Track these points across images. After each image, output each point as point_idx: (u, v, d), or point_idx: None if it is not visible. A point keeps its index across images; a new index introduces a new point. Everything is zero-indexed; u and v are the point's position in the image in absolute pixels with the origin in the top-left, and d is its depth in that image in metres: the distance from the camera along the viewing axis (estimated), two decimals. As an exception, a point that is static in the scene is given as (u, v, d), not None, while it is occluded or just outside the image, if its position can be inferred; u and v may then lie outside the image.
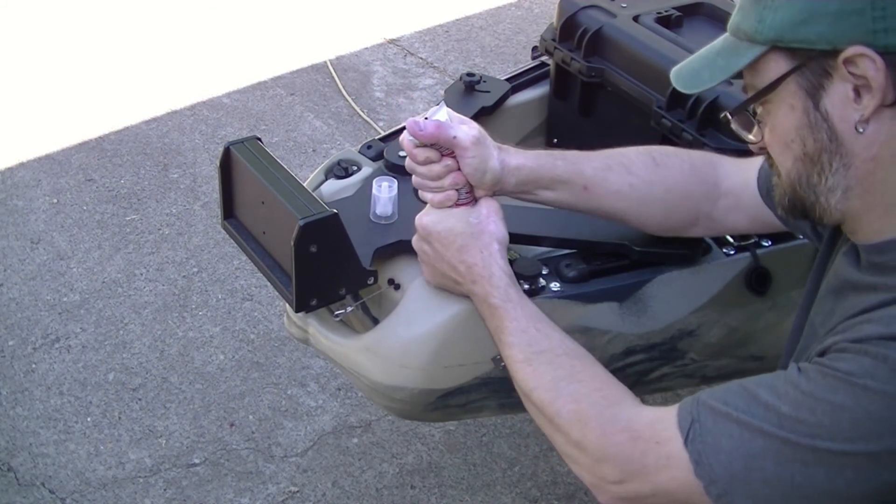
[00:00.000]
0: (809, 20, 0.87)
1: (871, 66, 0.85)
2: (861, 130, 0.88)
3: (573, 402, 1.04)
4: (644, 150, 1.31)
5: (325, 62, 3.78)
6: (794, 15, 0.88)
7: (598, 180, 1.27)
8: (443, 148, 1.19)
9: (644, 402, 2.40)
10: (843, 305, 0.96)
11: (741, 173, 1.28)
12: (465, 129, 1.19)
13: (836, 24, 0.86)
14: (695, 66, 1.00)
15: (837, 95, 0.89)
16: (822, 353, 0.90)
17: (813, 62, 0.89)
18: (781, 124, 0.94)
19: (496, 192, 1.25)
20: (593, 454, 1.01)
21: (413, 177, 1.23)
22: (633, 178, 1.27)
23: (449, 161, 1.19)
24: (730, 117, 1.01)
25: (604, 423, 1.01)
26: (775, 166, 0.99)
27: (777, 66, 0.92)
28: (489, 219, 1.21)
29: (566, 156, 1.28)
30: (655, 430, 0.97)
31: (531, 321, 1.14)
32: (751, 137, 1.01)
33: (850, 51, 0.86)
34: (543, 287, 1.34)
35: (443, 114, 1.18)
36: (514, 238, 1.35)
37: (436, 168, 1.19)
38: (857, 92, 0.87)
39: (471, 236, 1.19)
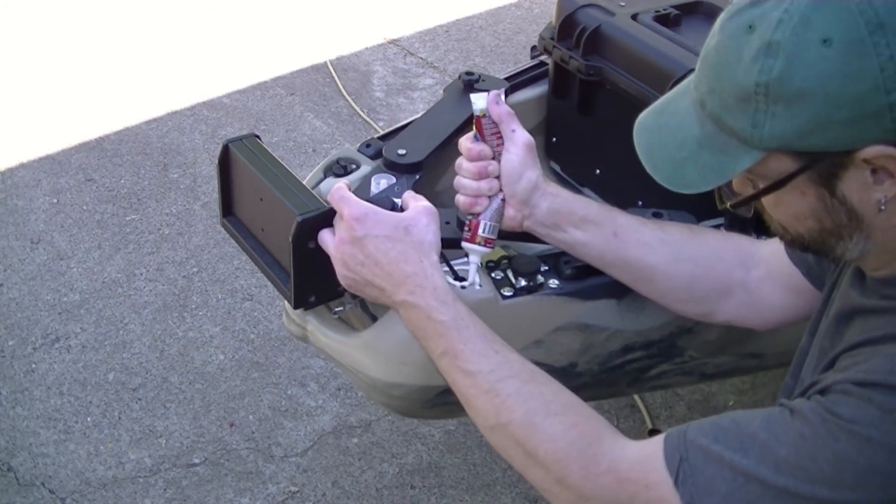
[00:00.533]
0: (817, 130, 0.81)
1: (893, 162, 0.81)
2: (884, 208, 0.85)
3: (550, 440, 0.98)
4: (682, 223, 1.31)
5: (325, 62, 3.78)
6: (799, 125, 0.82)
7: (629, 230, 1.24)
8: (495, 150, 1.21)
9: (643, 399, 2.40)
10: (850, 330, 0.94)
11: (775, 243, 1.23)
12: (523, 131, 1.20)
13: (849, 130, 0.81)
14: (673, 157, 0.91)
15: (855, 181, 0.85)
16: (822, 391, 0.87)
17: (824, 161, 0.84)
18: (791, 205, 0.90)
19: (525, 222, 1.24)
20: (577, 492, 0.97)
21: (457, 177, 1.23)
22: (664, 235, 1.25)
23: (497, 165, 1.21)
24: (724, 201, 0.96)
25: (586, 464, 0.96)
26: (775, 222, 0.95)
27: (781, 164, 0.86)
28: (428, 228, 1.12)
29: (602, 204, 1.27)
30: (643, 470, 0.93)
31: (488, 343, 1.05)
32: (726, 200, 0.95)
33: (870, 151, 0.81)
34: (542, 284, 1.34)
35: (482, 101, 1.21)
36: (513, 235, 1.35)
37: (483, 165, 1.20)
38: (875, 172, 0.83)
39: (411, 245, 1.09)
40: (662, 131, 0.93)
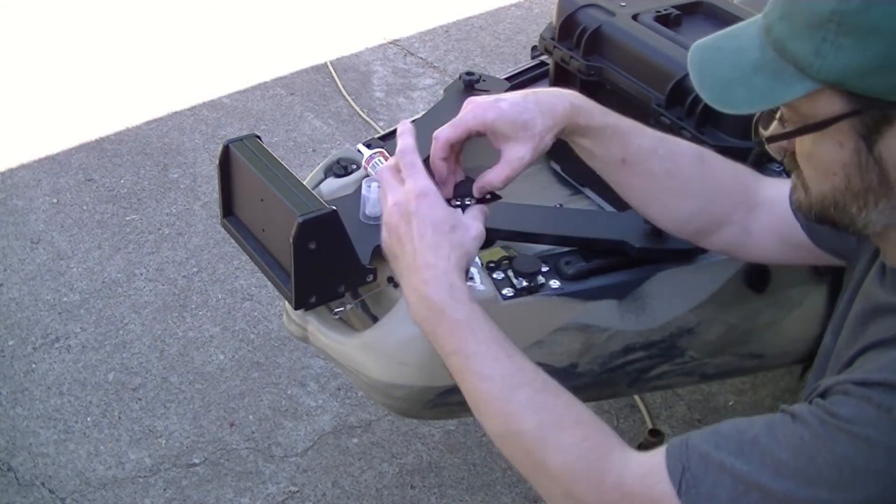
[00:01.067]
0: (879, 71, 0.79)
1: None
2: None
3: (560, 453, 0.97)
4: (696, 147, 1.26)
5: (326, 62, 3.78)
6: (864, 62, 0.79)
7: (638, 158, 1.20)
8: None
9: (643, 399, 2.39)
10: (869, 330, 0.93)
11: (781, 187, 1.21)
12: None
13: None
14: (724, 76, 0.89)
15: (895, 142, 0.83)
16: (823, 394, 0.86)
17: (874, 109, 0.82)
18: (824, 156, 0.88)
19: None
20: None
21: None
22: (672, 166, 1.20)
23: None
24: (762, 131, 0.93)
25: (593, 478, 0.95)
26: (801, 176, 0.92)
27: (830, 104, 0.84)
28: (474, 241, 1.08)
29: (619, 126, 1.18)
30: (648, 484, 0.91)
31: (501, 347, 1.02)
32: (763, 132, 0.93)
33: None
34: (542, 284, 1.34)
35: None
36: (514, 236, 1.35)
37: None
38: None
39: (448, 241, 1.05)
40: (720, 51, 0.91)
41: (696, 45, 0.94)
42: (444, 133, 1.13)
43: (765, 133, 0.93)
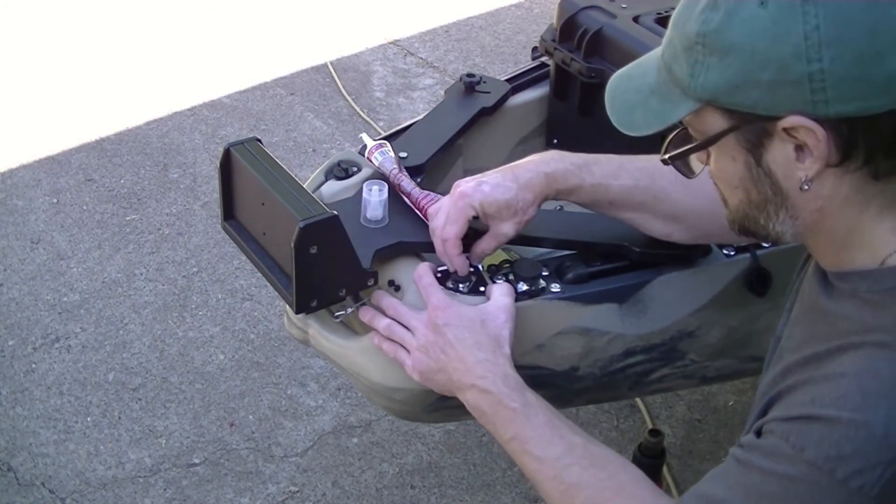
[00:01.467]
0: (743, 87, 0.84)
1: (812, 137, 0.83)
2: (806, 188, 0.87)
3: None
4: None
5: (326, 62, 3.78)
6: (727, 79, 0.85)
7: (623, 197, 1.28)
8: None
9: (643, 399, 2.39)
10: (806, 331, 0.96)
11: None
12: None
13: (771, 94, 0.83)
14: (629, 100, 0.96)
15: (779, 154, 0.87)
16: (759, 432, 0.91)
17: (751, 124, 0.86)
18: (724, 171, 0.93)
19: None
20: None
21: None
22: (658, 193, 1.26)
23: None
24: (666, 156, 0.98)
25: None
26: (720, 194, 0.97)
27: (714, 121, 0.89)
28: (505, 325, 1.21)
29: (595, 176, 1.26)
30: None
31: (554, 429, 1.13)
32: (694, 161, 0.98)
33: (789, 121, 0.83)
34: (543, 288, 1.34)
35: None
36: (514, 239, 1.35)
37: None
38: (799, 149, 0.85)
39: (486, 336, 1.19)
40: (630, 78, 0.98)
41: (614, 74, 1.01)
42: (450, 231, 1.24)
43: (667, 154, 0.99)
